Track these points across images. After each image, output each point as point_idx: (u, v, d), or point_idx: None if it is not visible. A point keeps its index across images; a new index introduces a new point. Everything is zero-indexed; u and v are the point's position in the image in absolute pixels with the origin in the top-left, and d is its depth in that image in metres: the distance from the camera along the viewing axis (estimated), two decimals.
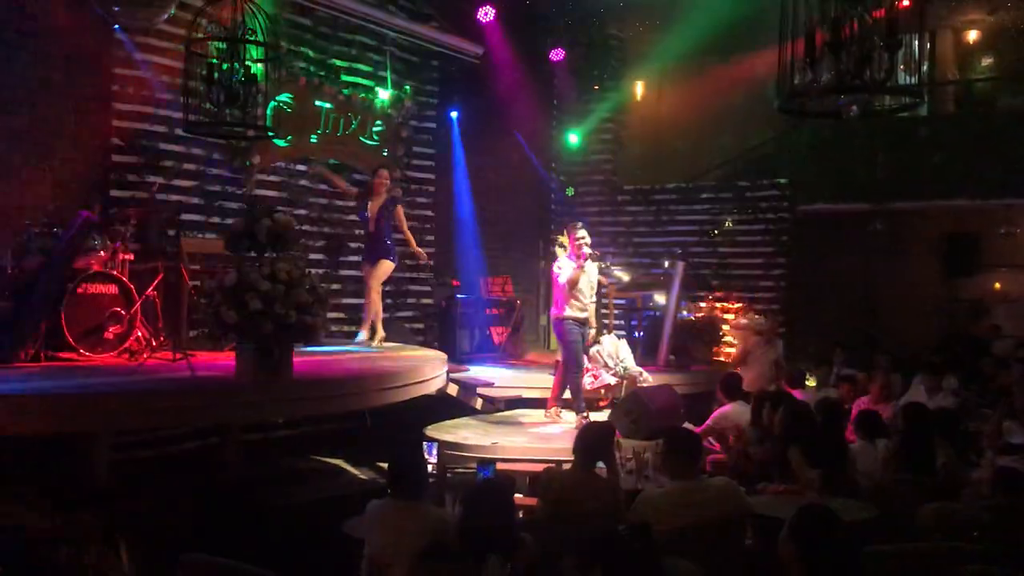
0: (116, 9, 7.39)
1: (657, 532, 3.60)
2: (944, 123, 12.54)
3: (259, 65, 5.87)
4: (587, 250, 8.18)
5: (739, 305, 11.86)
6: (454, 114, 12.38)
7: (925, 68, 4.86)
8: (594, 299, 8.57)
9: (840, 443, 5.84)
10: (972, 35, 12.82)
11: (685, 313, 11.57)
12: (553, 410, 8.52)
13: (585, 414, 8.11)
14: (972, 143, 11.63)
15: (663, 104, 13.76)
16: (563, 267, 8.28)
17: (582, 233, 8.23)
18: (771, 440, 6.17)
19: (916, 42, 4.73)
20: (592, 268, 8.40)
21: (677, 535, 4.14)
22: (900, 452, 5.48)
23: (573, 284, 8.12)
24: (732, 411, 7.45)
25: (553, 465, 6.40)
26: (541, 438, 7.82)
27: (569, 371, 8.33)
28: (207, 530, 5.64)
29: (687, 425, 7.20)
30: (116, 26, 8.02)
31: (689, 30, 11.71)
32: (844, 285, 12.33)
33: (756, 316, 10.90)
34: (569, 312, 8.21)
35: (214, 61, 5.72)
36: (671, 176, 13.44)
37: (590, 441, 5.05)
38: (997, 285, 12.83)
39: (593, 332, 8.62)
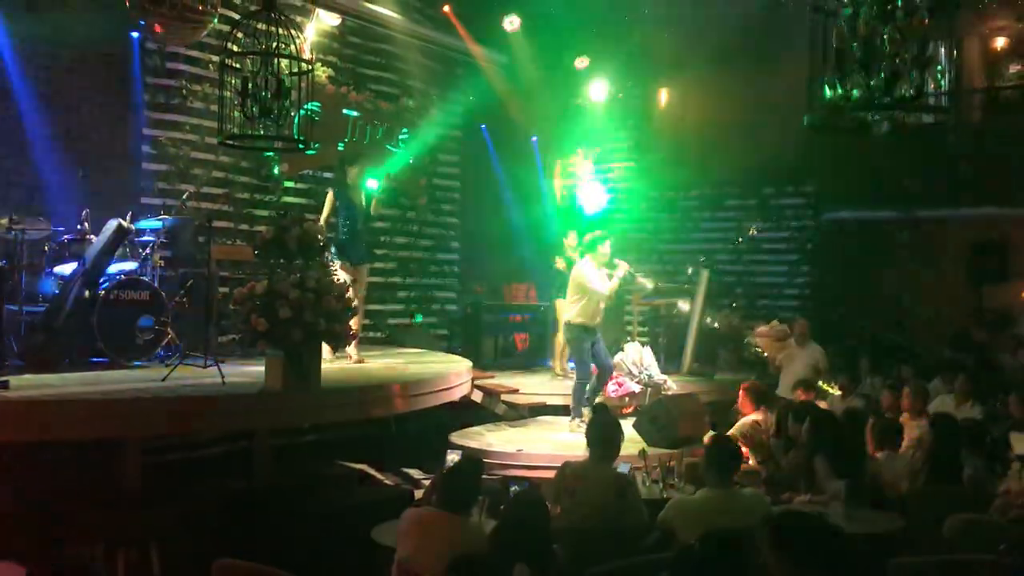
0: (155, 24, 7.47)
1: (685, 539, 3.62)
2: (971, 130, 12.45)
3: (293, 78, 5.95)
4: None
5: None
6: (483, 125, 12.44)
7: (953, 75, 4.84)
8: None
9: (865, 453, 5.83)
10: (1000, 42, 12.71)
11: (708, 320, 11.53)
12: (575, 422, 8.22)
13: (582, 420, 7.82)
14: (999, 150, 11.54)
15: (687, 111, 13.72)
16: (591, 275, 8.18)
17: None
18: (796, 450, 6.16)
19: (943, 51, 4.74)
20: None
21: None
22: (927, 463, 5.47)
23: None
24: (755, 420, 7.43)
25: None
26: (565, 446, 7.83)
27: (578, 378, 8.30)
28: (236, 535, 5.71)
29: (710, 434, 7.21)
30: (153, 40, 8.14)
31: (713, 38, 11.70)
32: (869, 294, 12.26)
33: (780, 324, 10.73)
34: (580, 319, 8.15)
35: (248, 74, 5.79)
36: (695, 183, 13.43)
37: (600, 430, 5.16)
38: None
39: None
